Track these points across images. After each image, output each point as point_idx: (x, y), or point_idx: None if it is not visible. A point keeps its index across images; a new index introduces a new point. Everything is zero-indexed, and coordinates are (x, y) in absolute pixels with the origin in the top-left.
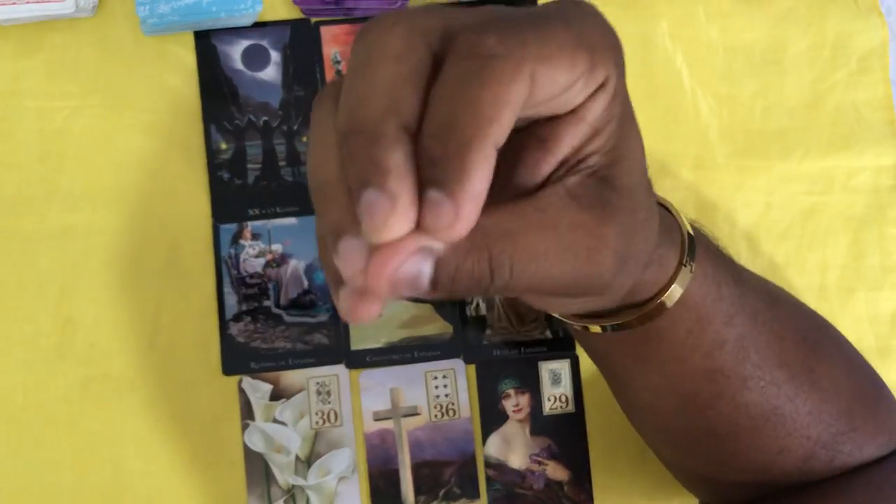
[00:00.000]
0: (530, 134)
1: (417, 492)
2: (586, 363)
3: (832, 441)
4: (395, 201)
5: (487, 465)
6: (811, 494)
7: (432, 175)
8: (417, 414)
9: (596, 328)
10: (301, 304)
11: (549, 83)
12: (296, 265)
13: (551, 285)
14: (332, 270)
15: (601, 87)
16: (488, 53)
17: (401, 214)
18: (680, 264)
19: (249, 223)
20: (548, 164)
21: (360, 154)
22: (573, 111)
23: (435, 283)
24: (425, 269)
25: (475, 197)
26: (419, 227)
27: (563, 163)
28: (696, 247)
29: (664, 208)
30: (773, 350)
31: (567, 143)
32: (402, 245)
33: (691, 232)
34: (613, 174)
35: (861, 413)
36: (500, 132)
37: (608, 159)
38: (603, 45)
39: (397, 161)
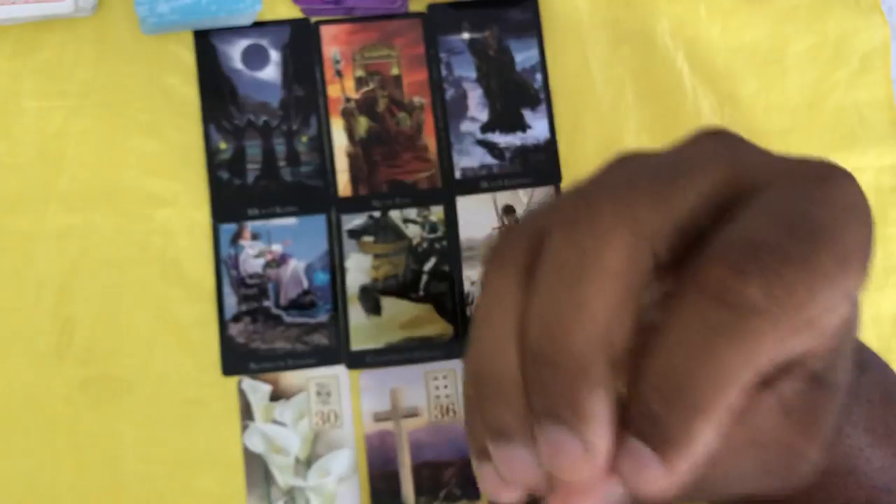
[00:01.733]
0: None
1: (418, 493)
2: None
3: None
4: (590, 452)
5: None
6: None
7: (645, 430)
8: (418, 415)
9: None
10: (301, 304)
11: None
12: (296, 265)
13: (730, 497)
14: (477, 440)
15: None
16: (748, 306)
17: (593, 464)
18: None
19: (249, 223)
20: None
21: (555, 388)
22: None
23: None
24: (608, 502)
25: (692, 462)
26: (612, 469)
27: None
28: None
29: None
30: (861, 418)
31: (793, 349)
32: (587, 491)
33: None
34: (830, 374)
35: None
36: (740, 396)
37: (829, 360)
38: (863, 255)
39: (600, 408)
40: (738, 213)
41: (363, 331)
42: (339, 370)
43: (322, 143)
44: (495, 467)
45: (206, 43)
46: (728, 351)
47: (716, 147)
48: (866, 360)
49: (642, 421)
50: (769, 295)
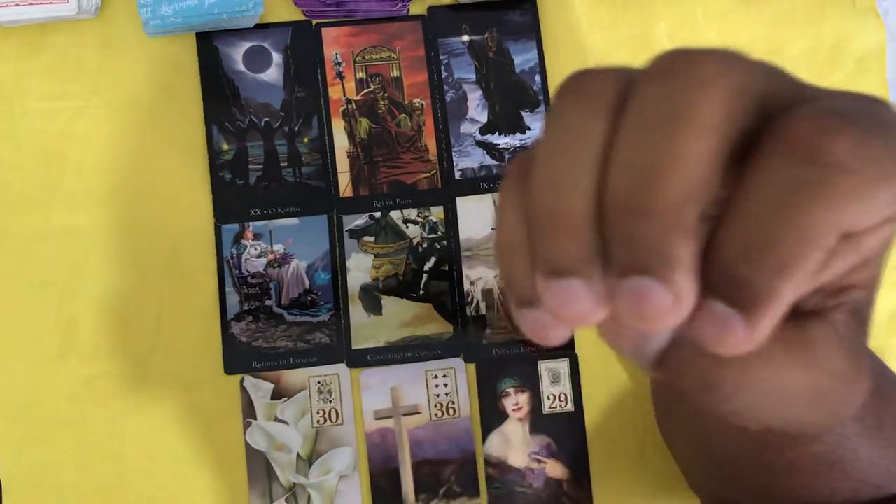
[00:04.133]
0: None
1: (418, 490)
2: (585, 362)
3: (885, 483)
4: (679, 302)
5: (487, 463)
6: None
7: (730, 293)
8: (418, 413)
9: None
10: (302, 303)
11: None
12: (297, 265)
13: (771, 422)
14: (520, 286)
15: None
16: (837, 163)
17: (680, 313)
18: None
19: (251, 223)
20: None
21: (646, 237)
22: (850, 234)
23: (658, 363)
24: (652, 344)
25: (773, 322)
26: (690, 331)
27: (819, 289)
28: None
29: None
30: None
31: (835, 269)
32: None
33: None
34: (865, 310)
35: None
36: (823, 259)
37: (867, 294)
38: None
39: (690, 259)
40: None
41: (364, 330)
42: (340, 368)
43: (323, 145)
44: (546, 307)
45: (209, 45)
46: (816, 207)
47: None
48: None
49: (726, 284)
50: (858, 155)
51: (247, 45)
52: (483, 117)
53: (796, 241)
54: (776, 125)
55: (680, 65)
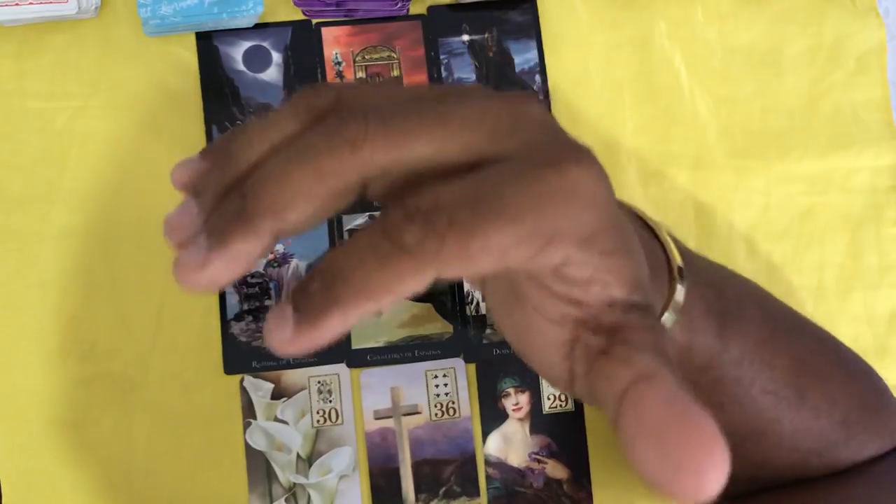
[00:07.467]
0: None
1: (418, 490)
2: None
3: (826, 450)
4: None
5: (487, 463)
6: (805, 491)
7: (296, 299)
8: (418, 413)
9: None
10: None
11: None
12: (297, 264)
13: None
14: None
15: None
16: (401, 245)
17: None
18: (663, 310)
19: None
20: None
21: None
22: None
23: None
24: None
25: (321, 333)
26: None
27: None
28: (684, 285)
29: (657, 240)
30: (759, 380)
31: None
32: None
33: (682, 266)
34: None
35: (859, 421)
36: (379, 305)
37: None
38: (563, 236)
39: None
40: (468, 172)
41: (364, 329)
42: (340, 368)
43: None
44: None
45: (209, 44)
46: (375, 272)
47: (499, 115)
48: (774, 321)
49: (298, 291)
50: (420, 244)
51: (247, 44)
52: None
53: (351, 287)
54: (401, 198)
55: (344, 129)
